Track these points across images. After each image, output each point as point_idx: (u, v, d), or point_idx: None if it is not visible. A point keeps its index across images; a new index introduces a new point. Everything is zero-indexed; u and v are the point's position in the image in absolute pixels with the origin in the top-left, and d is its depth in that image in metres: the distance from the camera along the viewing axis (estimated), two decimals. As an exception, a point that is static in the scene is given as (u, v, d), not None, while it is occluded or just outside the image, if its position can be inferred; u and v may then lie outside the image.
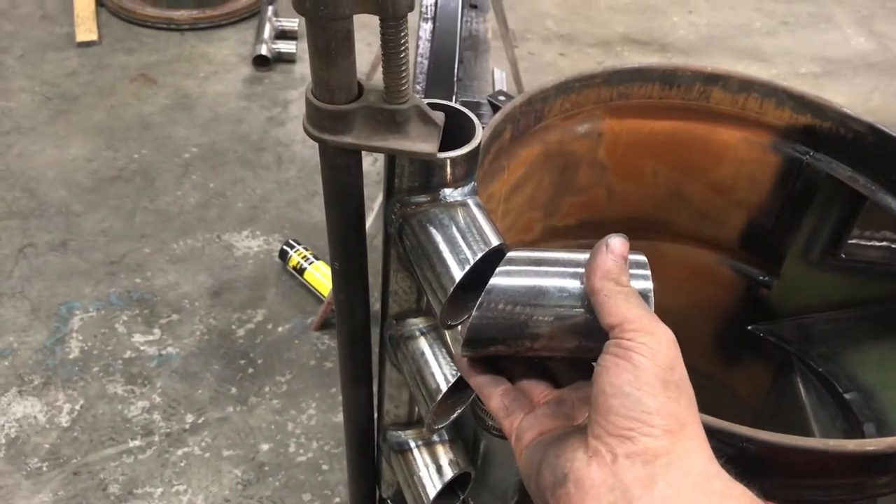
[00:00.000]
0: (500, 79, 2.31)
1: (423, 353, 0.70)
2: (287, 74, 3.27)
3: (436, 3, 1.80)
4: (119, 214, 2.57)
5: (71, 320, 2.24)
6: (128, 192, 2.65)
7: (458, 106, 0.61)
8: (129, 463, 1.93)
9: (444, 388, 0.68)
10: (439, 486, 0.81)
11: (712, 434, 0.88)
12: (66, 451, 1.94)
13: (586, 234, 1.54)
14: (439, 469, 0.81)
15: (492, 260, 0.58)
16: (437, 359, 0.70)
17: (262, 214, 2.62)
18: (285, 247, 2.42)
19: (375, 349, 0.83)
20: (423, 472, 0.81)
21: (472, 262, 0.57)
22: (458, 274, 0.57)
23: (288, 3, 3.64)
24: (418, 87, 1.64)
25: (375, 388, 0.85)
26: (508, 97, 1.41)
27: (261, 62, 3.18)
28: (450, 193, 0.61)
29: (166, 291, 2.35)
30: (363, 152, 0.61)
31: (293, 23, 3.39)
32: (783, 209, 1.42)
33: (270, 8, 3.40)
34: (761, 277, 1.52)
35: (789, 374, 1.52)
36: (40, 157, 2.74)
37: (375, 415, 0.87)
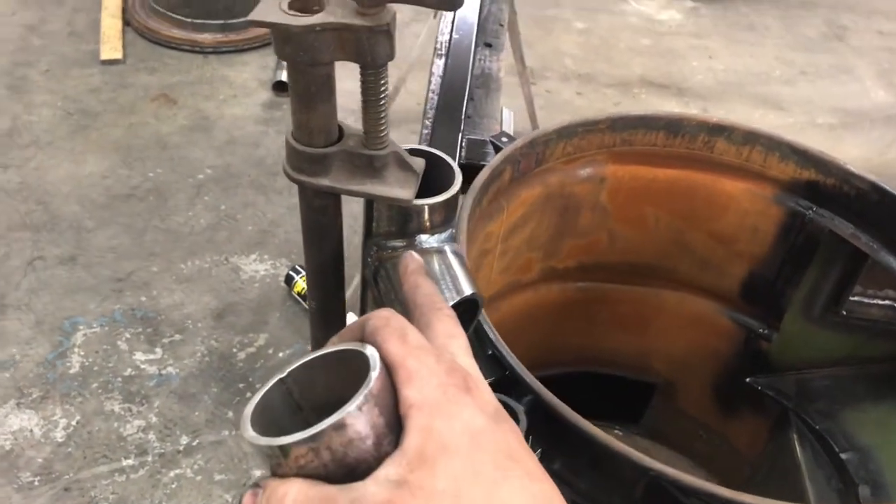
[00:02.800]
0: (508, 119, 2.32)
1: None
2: (305, 101, 3.30)
3: (449, 41, 1.81)
4: (129, 232, 2.59)
5: (74, 335, 2.25)
6: (140, 210, 2.68)
7: (439, 153, 0.61)
8: (121, 482, 1.93)
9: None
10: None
11: (696, 495, 0.87)
12: (58, 467, 1.94)
13: (586, 276, 1.54)
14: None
15: (465, 308, 0.58)
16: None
17: (271, 239, 2.64)
18: (291, 272, 2.43)
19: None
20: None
21: (442, 310, 0.57)
22: (426, 321, 0.57)
23: (311, 30, 3.70)
24: (427, 122, 1.64)
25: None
26: (511, 138, 1.41)
27: (280, 88, 3.21)
28: (426, 240, 0.61)
29: (171, 311, 2.36)
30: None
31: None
32: (784, 263, 1.41)
33: (293, 35, 3.44)
34: (761, 330, 1.50)
35: (786, 429, 1.50)
36: (56, 172, 2.78)
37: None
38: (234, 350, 2.27)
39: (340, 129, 0.59)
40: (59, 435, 2.01)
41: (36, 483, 1.91)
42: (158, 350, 2.25)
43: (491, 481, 0.46)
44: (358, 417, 0.47)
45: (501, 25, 2.07)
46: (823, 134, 3.46)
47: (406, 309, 0.58)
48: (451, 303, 0.58)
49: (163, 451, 2.00)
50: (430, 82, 1.78)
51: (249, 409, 0.51)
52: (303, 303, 2.37)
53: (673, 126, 1.32)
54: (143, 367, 2.19)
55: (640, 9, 4.22)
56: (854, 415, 1.43)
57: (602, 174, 1.37)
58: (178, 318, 2.34)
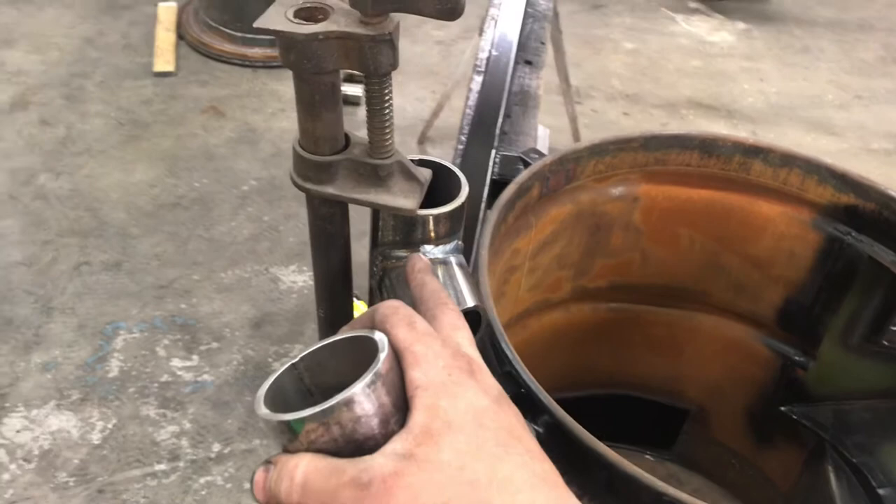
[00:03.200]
0: (543, 136, 2.31)
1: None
2: (350, 116, 3.34)
3: (488, 58, 1.81)
4: (174, 240, 2.64)
5: (115, 340, 2.30)
6: (185, 219, 2.73)
7: (446, 163, 0.61)
8: (153, 486, 1.95)
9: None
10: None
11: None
12: (93, 469, 1.98)
13: (618, 297, 1.52)
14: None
15: (469, 320, 0.58)
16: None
17: (352, 272, 2.65)
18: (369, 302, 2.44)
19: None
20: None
21: (442, 322, 0.57)
22: (426, 333, 0.57)
23: (359, 47, 3.74)
24: (462, 138, 1.65)
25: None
26: (540, 155, 1.40)
27: None
28: (430, 250, 0.61)
29: (209, 319, 2.40)
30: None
31: (362, 66, 3.46)
32: (822, 289, 1.37)
33: (341, 51, 3.48)
34: (797, 357, 1.46)
35: (822, 461, 1.45)
36: (106, 180, 2.84)
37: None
38: (270, 360, 2.29)
39: (347, 137, 0.59)
40: (96, 437, 2.05)
41: (71, 483, 1.95)
42: (195, 357, 2.28)
43: (494, 456, 0.49)
44: (367, 395, 0.50)
45: (542, 44, 2.07)
46: (879, 160, 3.37)
47: (413, 305, 0.59)
48: (453, 315, 0.57)
49: (195, 457, 2.02)
50: (467, 98, 1.78)
51: (263, 390, 0.54)
52: (339, 315, 2.38)
53: (707, 146, 1.29)
54: (179, 373, 2.22)
55: (691, 30, 4.18)
56: (893, 449, 1.38)
57: (635, 193, 1.35)
58: (216, 327, 2.37)
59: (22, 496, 1.91)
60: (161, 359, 2.26)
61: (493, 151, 1.57)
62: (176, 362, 2.25)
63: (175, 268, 2.54)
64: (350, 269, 0.67)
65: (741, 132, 3.44)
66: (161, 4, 3.77)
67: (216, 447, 2.05)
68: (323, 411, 0.49)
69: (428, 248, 0.61)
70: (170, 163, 2.96)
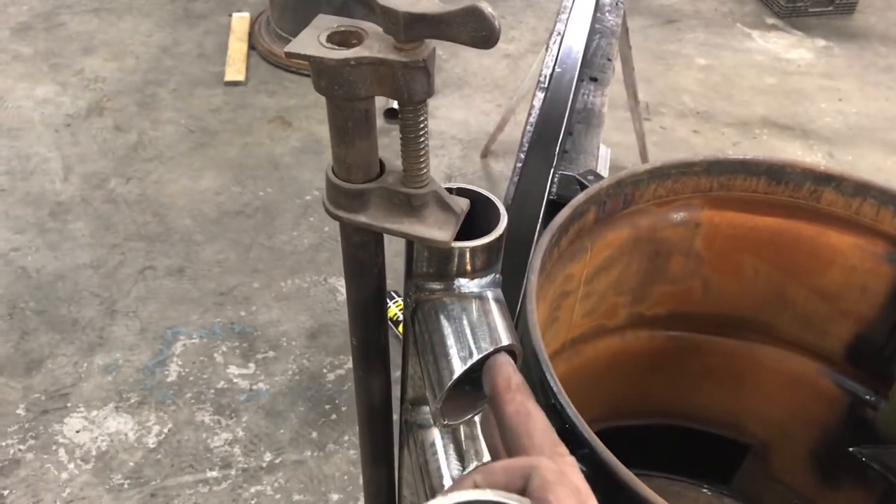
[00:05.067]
0: (605, 155, 2.26)
1: (432, 444, 0.67)
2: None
3: (551, 74, 1.78)
4: (236, 248, 2.67)
5: (175, 345, 2.33)
6: (248, 227, 2.76)
7: (484, 192, 0.58)
8: (204, 493, 1.97)
9: (447, 483, 0.64)
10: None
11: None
12: (147, 472, 2.00)
13: (678, 325, 1.46)
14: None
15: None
16: (445, 453, 0.67)
17: (386, 300, 2.66)
18: (403, 334, 2.43)
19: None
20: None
21: (474, 359, 0.54)
22: (458, 370, 0.54)
23: (426, 59, 3.75)
24: (521, 156, 1.62)
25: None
26: (598, 177, 1.36)
27: (391, 115, 3.26)
28: (465, 284, 0.58)
29: (267, 327, 2.41)
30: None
31: (428, 79, 3.46)
32: (897, 326, 1.29)
33: (409, 63, 3.49)
34: (867, 396, 1.38)
35: (891, 507, 1.37)
36: (174, 186, 2.90)
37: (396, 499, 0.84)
38: (325, 371, 2.29)
39: (382, 164, 0.57)
40: (152, 441, 2.08)
41: (125, 486, 1.97)
42: (252, 365, 2.29)
43: None
44: None
45: (609, 60, 2.02)
46: (963, 186, 3.20)
47: (500, 427, 0.52)
48: (484, 354, 0.54)
49: (246, 466, 2.03)
50: (528, 115, 1.75)
51: None
52: (394, 329, 2.37)
53: (776, 172, 1.24)
54: (235, 380, 2.24)
55: (768, 47, 4.07)
56: (969, 498, 1.30)
57: (697, 219, 1.30)
58: (273, 335, 2.39)
59: (78, 496, 1.94)
60: (218, 365, 2.28)
61: (552, 171, 1.54)
62: (233, 369, 2.27)
63: (236, 275, 2.57)
64: (384, 298, 0.65)
65: (816, 153, 3.32)
66: (235, 15, 3.85)
67: (268, 456, 2.06)
68: None
69: (463, 281, 0.58)
70: (236, 171, 3.00)
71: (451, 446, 0.67)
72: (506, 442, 0.51)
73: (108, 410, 2.15)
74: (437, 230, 0.55)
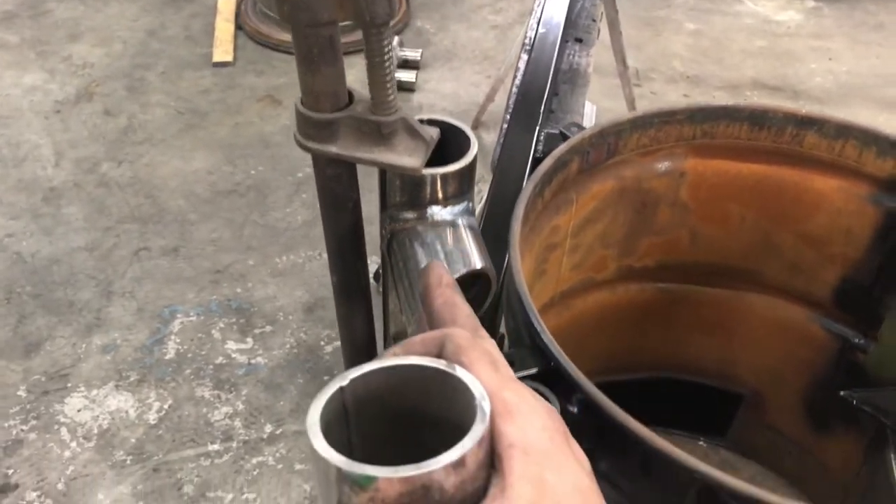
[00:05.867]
0: (590, 112, 2.26)
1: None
2: (405, 102, 3.33)
3: (535, 36, 1.78)
4: (230, 226, 2.68)
5: (172, 323, 2.34)
6: (241, 205, 2.76)
7: (454, 122, 0.59)
8: (206, 466, 1.99)
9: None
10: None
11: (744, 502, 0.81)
12: (149, 448, 2.02)
13: (667, 276, 1.47)
14: None
15: (479, 286, 0.56)
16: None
17: (364, 236, 2.66)
18: (381, 269, 2.44)
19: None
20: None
21: (447, 284, 0.55)
22: (430, 294, 0.55)
23: (413, 33, 3.73)
24: (507, 116, 1.62)
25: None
26: (580, 129, 1.37)
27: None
28: (438, 212, 0.59)
29: (264, 303, 2.42)
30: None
31: (416, 53, 3.46)
32: (882, 267, 1.30)
33: (396, 38, 3.48)
34: (857, 340, 1.40)
35: (883, 448, 1.39)
36: (166, 168, 2.90)
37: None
38: (322, 343, 2.31)
39: (351, 95, 0.58)
40: (152, 417, 2.09)
41: (128, 462, 1.99)
42: (249, 340, 2.30)
43: None
44: (476, 454, 0.42)
45: (594, 21, 2.02)
46: (955, 140, 3.20)
47: (429, 319, 0.54)
48: (460, 274, 0.55)
49: (247, 438, 2.05)
50: (514, 78, 1.75)
51: (315, 414, 0.45)
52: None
53: (757, 118, 1.24)
54: (233, 355, 2.26)
55: (757, 9, 4.05)
56: (960, 436, 1.31)
57: (682, 168, 1.31)
58: (270, 311, 2.40)
59: (81, 473, 1.96)
60: (216, 341, 2.29)
61: (537, 129, 1.54)
62: (230, 345, 2.29)
63: (231, 253, 2.58)
64: (362, 232, 0.65)
65: (808, 113, 3.31)
66: (221, -4, 3.83)
67: (268, 428, 2.07)
68: (422, 474, 0.40)
69: (436, 209, 0.59)
70: (227, 151, 3.00)
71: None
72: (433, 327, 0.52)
73: (108, 389, 2.16)
74: (408, 157, 0.56)
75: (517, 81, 1.73)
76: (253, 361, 2.25)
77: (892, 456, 1.35)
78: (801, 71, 3.59)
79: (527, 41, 1.85)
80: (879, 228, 1.27)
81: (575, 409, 0.87)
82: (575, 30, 1.96)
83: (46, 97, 3.24)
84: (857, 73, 3.59)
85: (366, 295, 0.70)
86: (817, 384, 1.48)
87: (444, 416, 0.46)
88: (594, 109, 2.36)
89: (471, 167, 0.59)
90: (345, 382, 0.47)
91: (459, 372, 0.45)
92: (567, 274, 1.35)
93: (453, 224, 0.59)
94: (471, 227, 0.59)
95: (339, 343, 2.31)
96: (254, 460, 2.00)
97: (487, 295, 0.60)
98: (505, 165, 1.49)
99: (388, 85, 0.55)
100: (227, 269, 2.52)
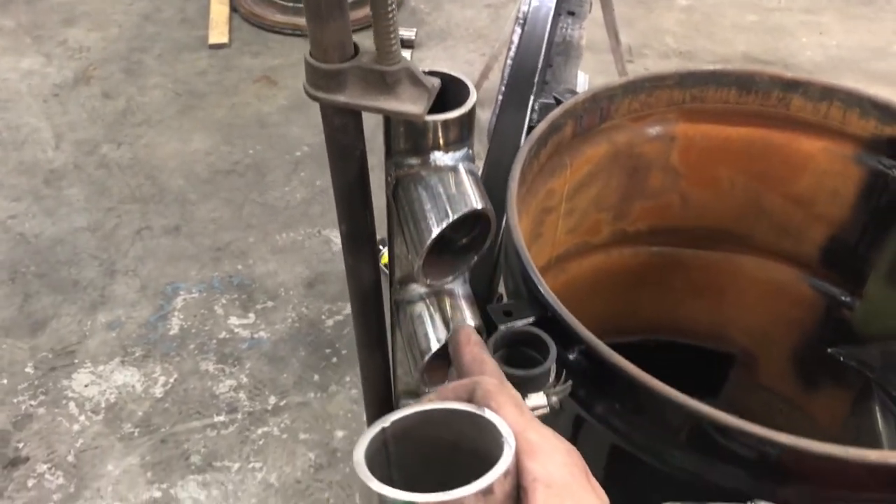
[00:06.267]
0: (583, 81, 2.29)
1: (419, 315, 0.72)
2: (401, 81, 3.36)
3: (528, 9, 1.81)
4: (229, 205, 2.71)
5: (175, 300, 2.38)
6: (240, 185, 2.80)
7: (455, 73, 0.63)
8: (212, 437, 2.03)
9: (434, 347, 0.69)
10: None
11: (728, 434, 0.86)
12: (156, 420, 2.07)
13: (659, 240, 1.51)
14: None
15: (480, 228, 0.60)
16: (432, 321, 0.72)
17: (370, 185, 2.70)
18: (379, 245, 2.48)
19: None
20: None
21: (451, 219, 0.59)
22: (435, 229, 0.59)
23: (408, 13, 3.75)
24: (503, 88, 1.66)
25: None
26: (574, 94, 1.40)
27: None
28: (440, 157, 0.63)
29: (265, 279, 2.46)
30: (365, 115, 0.64)
31: (411, 32, 3.48)
32: (867, 226, 1.35)
33: None
34: (843, 298, 1.44)
35: (868, 401, 1.44)
36: (165, 149, 2.93)
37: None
38: (323, 317, 2.35)
39: (356, 46, 0.62)
40: (158, 391, 2.14)
41: (136, 434, 2.04)
42: (252, 315, 2.35)
43: None
44: (502, 484, 0.47)
45: (586, -6, 2.05)
46: (944, 111, 3.24)
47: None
48: (461, 214, 0.59)
49: (252, 409, 2.10)
50: (508, 51, 1.79)
51: (360, 452, 0.51)
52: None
53: (745, 82, 1.28)
54: (236, 330, 2.30)
55: (748, -15, 4.08)
56: (942, 387, 1.36)
57: (672, 133, 1.35)
58: (271, 286, 2.44)
59: (90, 445, 2.01)
60: (219, 317, 2.34)
61: (532, 99, 1.58)
62: (233, 320, 2.33)
63: (231, 231, 2.61)
64: (368, 182, 0.69)
65: (799, 86, 3.35)
66: (215, -22, 3.84)
67: (272, 400, 2.12)
68: (455, 500, 0.45)
69: (438, 154, 0.63)
70: (225, 131, 3.03)
71: (437, 315, 0.72)
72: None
73: (115, 364, 2.20)
74: (411, 105, 0.60)
75: (511, 53, 1.76)
76: (255, 336, 2.29)
77: (877, 407, 1.40)
78: (791, 45, 3.62)
79: (520, 15, 1.88)
80: (863, 187, 1.31)
81: (572, 356, 0.92)
82: (567, 3, 1.99)
83: (44, 81, 3.27)
84: (848, 46, 3.63)
85: (372, 244, 0.74)
86: (806, 342, 1.53)
87: (474, 451, 0.52)
88: (587, 79, 2.40)
89: (470, 114, 0.63)
90: (386, 424, 0.53)
91: (488, 414, 0.51)
92: (562, 237, 1.39)
93: (454, 169, 0.62)
94: (471, 172, 0.63)
95: (339, 317, 2.36)
96: (259, 431, 2.05)
97: (487, 235, 0.64)
98: (501, 134, 1.53)
99: (392, 36, 0.59)
100: (228, 247, 2.56)
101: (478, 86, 3.11)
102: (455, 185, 0.61)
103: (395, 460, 0.54)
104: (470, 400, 0.53)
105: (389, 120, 0.63)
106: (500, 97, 1.65)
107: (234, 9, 3.69)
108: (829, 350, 1.49)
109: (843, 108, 1.26)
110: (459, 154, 0.64)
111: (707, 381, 1.71)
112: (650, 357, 1.76)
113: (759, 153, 1.35)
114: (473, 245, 0.63)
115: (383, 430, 0.53)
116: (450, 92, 0.64)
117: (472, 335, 0.65)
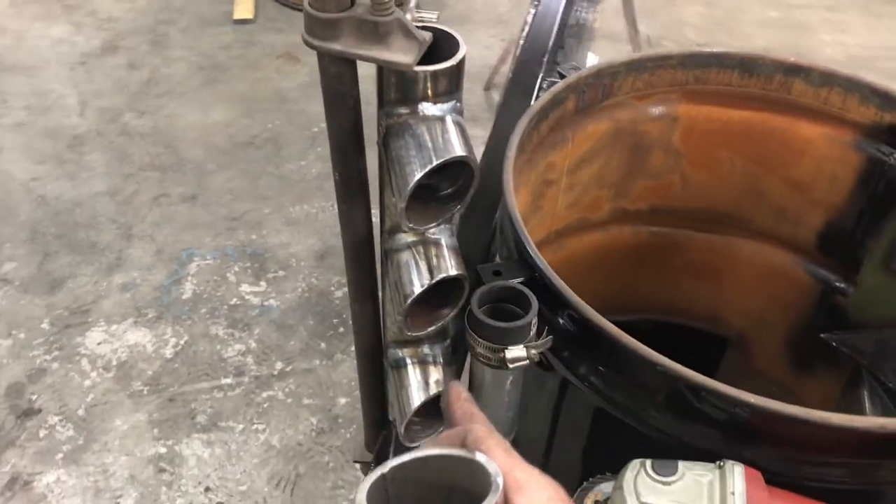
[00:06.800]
0: (592, 60, 2.32)
1: (406, 262, 0.76)
2: (420, 63, 3.39)
3: (543, -10, 1.84)
4: (246, 176, 2.76)
5: (189, 265, 2.44)
6: (257, 157, 2.85)
7: (446, 28, 0.66)
8: (219, 398, 2.09)
9: (416, 290, 0.73)
10: (421, 400, 0.86)
11: (701, 395, 0.89)
12: (165, 380, 2.12)
13: (659, 220, 1.54)
14: (426, 385, 0.86)
15: (464, 178, 0.63)
16: (417, 268, 0.75)
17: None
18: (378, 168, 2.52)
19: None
20: (410, 387, 0.86)
21: (433, 164, 0.63)
22: (418, 173, 0.63)
23: (431, -5, 3.77)
24: (514, 66, 1.68)
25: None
26: (578, 69, 1.43)
27: None
28: (428, 107, 0.66)
29: (277, 249, 2.51)
30: (360, 65, 0.68)
31: (433, 15, 3.50)
32: (864, 212, 1.36)
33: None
34: (838, 284, 1.46)
35: (858, 387, 1.46)
36: (186, 119, 2.99)
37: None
38: (332, 289, 2.39)
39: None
40: (168, 352, 2.19)
41: (145, 392, 2.09)
42: (263, 283, 2.40)
43: None
44: None
45: (602, -21, 2.07)
46: (963, 114, 3.23)
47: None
48: (444, 160, 0.63)
49: (258, 373, 2.15)
50: (521, 31, 1.82)
51: (362, 496, 0.55)
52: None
53: (748, 65, 1.30)
54: (247, 297, 2.35)
55: (773, -19, 4.07)
56: (931, 375, 1.38)
57: (675, 113, 1.37)
58: (283, 256, 2.49)
59: (101, 400, 2.07)
60: (231, 284, 2.39)
61: (540, 77, 1.60)
62: (245, 287, 2.38)
63: (247, 202, 2.66)
64: (361, 132, 0.73)
65: (818, 83, 3.35)
66: (242, -46, 3.89)
67: (279, 365, 2.17)
68: None
69: (427, 105, 0.67)
70: (245, 105, 3.08)
71: (423, 262, 0.76)
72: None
73: (127, 325, 2.26)
74: (402, 55, 0.64)
75: (524, 34, 1.79)
76: (266, 303, 2.34)
77: (865, 393, 1.42)
78: (812, 42, 3.61)
79: (536, -3, 1.91)
80: (861, 174, 1.33)
81: (556, 317, 0.95)
82: (584, -13, 2.01)
83: (72, 49, 3.33)
84: (868, 45, 3.61)
85: (365, 191, 0.78)
86: (800, 327, 1.55)
87: (468, 492, 0.57)
88: (597, 59, 2.42)
89: (459, 67, 0.66)
90: (386, 470, 0.57)
91: (479, 457, 0.56)
92: (563, 212, 1.42)
93: (442, 119, 0.66)
94: (458, 123, 0.67)
95: (347, 288, 2.40)
96: (264, 394, 2.10)
97: (471, 185, 0.68)
98: (507, 109, 1.56)
99: (385, -13, 0.62)
100: (243, 217, 2.61)
101: (495, 70, 3.13)
102: (441, 133, 0.64)
103: (394, 501, 0.59)
104: (462, 446, 0.59)
105: (382, 71, 0.67)
106: (510, 75, 1.68)
107: (259, -15, 3.74)
108: (822, 336, 1.51)
109: (843, 93, 1.28)
110: (447, 106, 0.67)
111: (701, 365, 1.74)
112: (645, 338, 1.79)
113: (760, 137, 1.38)
114: (458, 194, 0.67)
115: (383, 475, 0.57)
116: (442, 47, 0.67)
117: (461, 392, 0.70)
